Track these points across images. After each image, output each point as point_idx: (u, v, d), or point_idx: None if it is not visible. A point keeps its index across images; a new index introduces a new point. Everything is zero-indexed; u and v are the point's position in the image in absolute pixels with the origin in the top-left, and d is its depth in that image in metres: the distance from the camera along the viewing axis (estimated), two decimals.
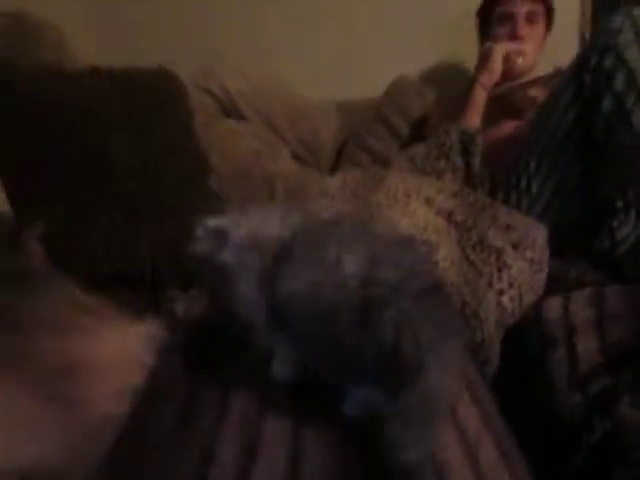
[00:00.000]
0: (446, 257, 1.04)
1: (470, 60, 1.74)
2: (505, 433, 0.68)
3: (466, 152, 1.37)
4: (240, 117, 1.81)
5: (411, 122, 1.81)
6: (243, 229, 0.70)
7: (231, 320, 0.94)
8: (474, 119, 1.48)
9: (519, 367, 0.97)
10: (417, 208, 1.14)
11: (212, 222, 0.72)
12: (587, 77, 1.15)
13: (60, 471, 0.61)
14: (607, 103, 1.12)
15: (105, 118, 1.16)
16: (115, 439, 0.68)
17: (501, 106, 1.53)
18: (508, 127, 1.53)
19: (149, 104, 1.25)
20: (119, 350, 0.75)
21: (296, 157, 1.81)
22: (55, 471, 0.60)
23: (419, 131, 1.75)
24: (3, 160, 1.05)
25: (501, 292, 1.04)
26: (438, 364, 0.57)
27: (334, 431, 0.65)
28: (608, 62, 1.12)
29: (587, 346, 0.86)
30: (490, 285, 1.05)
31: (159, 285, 1.14)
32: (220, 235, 0.69)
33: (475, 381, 0.79)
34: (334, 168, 1.83)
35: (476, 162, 1.35)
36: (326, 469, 0.60)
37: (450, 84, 1.85)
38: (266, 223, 0.70)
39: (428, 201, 1.17)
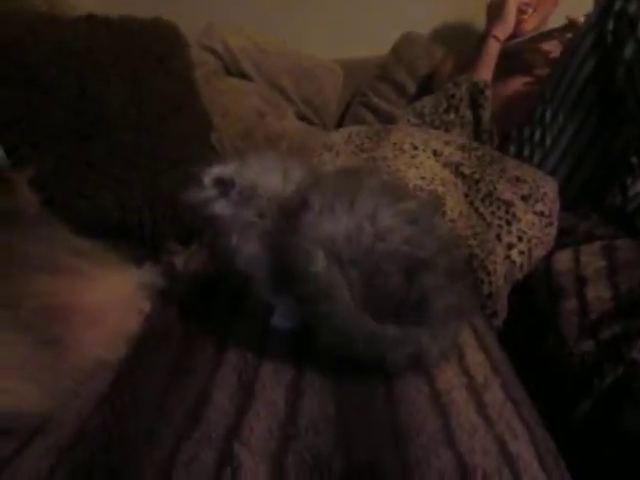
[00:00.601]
0: (453, 209, 1.01)
1: (478, 17, 1.68)
2: (513, 379, 0.66)
3: (476, 105, 1.33)
4: (243, 76, 1.75)
5: (418, 80, 1.75)
6: (245, 180, 0.67)
7: (230, 273, 0.92)
8: (485, 72, 1.42)
9: (527, 319, 0.94)
10: (424, 160, 1.10)
11: (215, 171, 0.69)
12: (610, 23, 1.10)
13: (46, 417, 0.59)
14: (629, 50, 1.07)
15: (102, 67, 1.11)
16: (108, 384, 0.66)
17: (511, 62, 1.47)
18: (518, 83, 1.47)
19: (148, 54, 1.20)
20: (114, 295, 0.73)
21: (301, 117, 1.76)
22: (41, 417, 0.59)
23: (426, 89, 1.69)
24: None
25: (510, 246, 1.01)
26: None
27: (333, 377, 0.63)
28: (633, 7, 1.07)
29: (598, 295, 0.83)
30: (499, 238, 1.01)
31: (157, 238, 1.11)
32: (223, 184, 0.66)
33: (483, 330, 0.77)
34: (339, 127, 1.77)
35: (486, 115, 1.31)
36: (325, 412, 0.58)
37: (458, 41, 1.79)
38: (267, 177, 0.67)
39: (435, 153, 1.13)
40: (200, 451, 0.52)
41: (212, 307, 0.80)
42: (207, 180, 0.68)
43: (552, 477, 0.51)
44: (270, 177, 0.67)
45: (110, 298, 0.72)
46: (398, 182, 0.90)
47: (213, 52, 1.73)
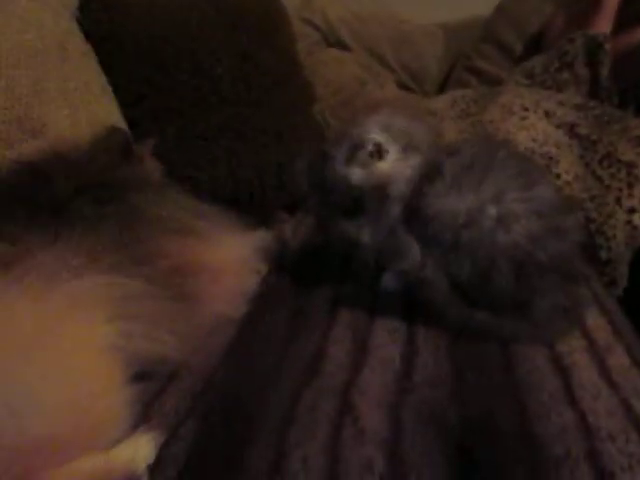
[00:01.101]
0: (568, 171, 0.96)
1: None
2: (637, 343, 0.62)
3: (593, 62, 1.23)
4: (342, 46, 1.75)
5: (526, 40, 1.65)
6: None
7: (339, 239, 0.95)
8: (603, 24, 1.31)
9: None
10: (535, 121, 1.05)
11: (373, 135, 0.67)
12: None
13: (181, 363, 0.65)
14: None
15: (212, 44, 1.17)
16: (232, 337, 0.72)
17: (633, 7, 1.34)
18: None
19: (254, 29, 1.24)
20: (234, 255, 0.78)
21: (401, 85, 1.74)
22: (176, 362, 0.64)
23: (535, 49, 1.59)
24: (119, 85, 1.10)
25: (632, 210, 0.95)
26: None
27: (447, 336, 0.63)
28: None
29: None
30: (619, 202, 0.95)
31: (266, 207, 1.16)
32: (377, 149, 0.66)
33: (602, 294, 0.74)
34: (441, 93, 1.73)
35: (604, 72, 1.21)
36: (440, 369, 0.59)
37: None
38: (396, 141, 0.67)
39: (548, 114, 1.07)
40: (321, 399, 0.55)
41: (323, 270, 0.83)
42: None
43: None
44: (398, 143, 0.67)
45: (230, 258, 0.77)
46: (535, 162, 0.86)
47: (312, 24, 1.74)
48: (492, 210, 0.59)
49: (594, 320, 0.64)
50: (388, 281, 0.74)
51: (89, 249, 0.56)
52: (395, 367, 0.59)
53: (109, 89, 1.08)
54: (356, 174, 0.65)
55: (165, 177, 0.91)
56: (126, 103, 1.09)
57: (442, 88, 1.78)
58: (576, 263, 0.63)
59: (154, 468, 0.51)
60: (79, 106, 0.95)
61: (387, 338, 0.64)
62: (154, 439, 0.52)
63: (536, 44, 1.58)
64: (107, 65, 1.10)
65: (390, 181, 0.65)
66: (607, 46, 1.22)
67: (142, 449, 0.50)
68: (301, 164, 0.72)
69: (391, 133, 0.65)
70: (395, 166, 0.65)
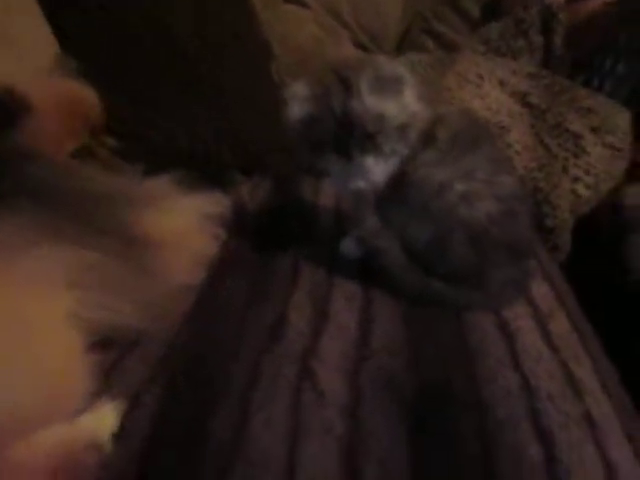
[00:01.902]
0: (519, 140, 0.99)
1: None
2: (577, 309, 0.67)
3: (547, 30, 1.26)
4: (299, 2, 1.71)
5: (484, 4, 1.66)
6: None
7: (296, 202, 0.96)
8: None
9: (591, 254, 0.94)
10: (490, 90, 1.07)
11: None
12: None
13: (141, 331, 0.65)
14: None
15: None
16: (192, 304, 0.72)
17: None
18: (593, 3, 1.38)
19: None
20: (190, 223, 0.77)
21: (358, 44, 1.72)
22: (137, 330, 0.65)
23: (493, 14, 1.60)
24: (70, 44, 1.04)
25: (576, 179, 1.00)
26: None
27: (402, 303, 0.66)
28: None
29: None
30: (565, 171, 1.00)
31: (223, 168, 1.14)
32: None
33: (546, 262, 0.78)
34: (397, 55, 1.72)
35: (558, 41, 1.25)
36: (396, 336, 0.62)
37: None
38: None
39: (502, 83, 1.10)
40: (281, 365, 0.57)
41: (282, 234, 0.84)
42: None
43: (614, 401, 0.54)
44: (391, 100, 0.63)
45: (187, 226, 0.76)
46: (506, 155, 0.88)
47: None
48: (459, 186, 0.61)
49: (538, 288, 0.68)
50: (347, 247, 0.75)
51: (44, 223, 0.54)
52: (353, 334, 0.61)
53: (55, 42, 1.02)
54: (391, 107, 0.61)
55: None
56: (78, 59, 1.04)
57: (399, 49, 1.78)
58: (526, 242, 0.66)
59: (118, 437, 0.51)
60: (26, 59, 0.90)
61: (345, 305, 0.66)
62: (117, 408, 0.52)
63: (493, 10, 1.59)
64: (53, 18, 1.03)
65: (412, 122, 0.63)
66: (561, 15, 1.25)
67: (105, 418, 0.50)
68: (300, 92, 0.65)
69: (411, 74, 0.64)
70: (418, 109, 0.63)
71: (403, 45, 1.77)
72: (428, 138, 0.63)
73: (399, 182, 0.63)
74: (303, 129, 0.65)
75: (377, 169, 0.63)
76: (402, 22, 1.78)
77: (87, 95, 0.86)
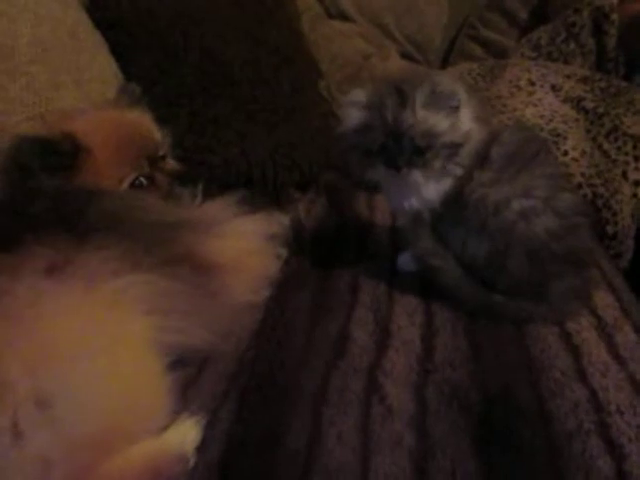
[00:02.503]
0: (575, 147, 0.98)
1: None
2: None
3: (599, 32, 1.24)
4: (344, 17, 1.74)
5: (531, 7, 1.64)
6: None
7: (352, 218, 0.98)
8: None
9: None
10: (542, 96, 1.07)
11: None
12: None
13: (212, 350, 0.69)
14: None
15: (219, 26, 1.17)
16: (259, 322, 0.76)
17: None
18: None
19: (259, 8, 1.24)
20: (254, 244, 0.81)
21: (405, 56, 1.73)
22: (208, 350, 0.68)
23: (541, 17, 1.58)
24: (130, 72, 1.11)
25: (638, 183, 0.98)
26: None
27: (464, 318, 0.67)
28: None
29: None
30: (625, 176, 0.98)
31: (279, 187, 1.18)
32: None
33: (610, 271, 0.77)
34: (445, 65, 1.73)
35: (611, 43, 1.22)
36: (459, 350, 0.63)
37: None
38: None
39: (554, 88, 1.09)
40: (349, 380, 0.59)
41: (340, 251, 0.87)
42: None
43: None
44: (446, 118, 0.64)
45: (250, 246, 0.80)
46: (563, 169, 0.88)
47: None
48: (516, 204, 0.62)
49: (603, 299, 0.67)
50: (404, 262, 0.77)
51: (123, 254, 0.59)
52: (416, 349, 0.63)
53: (121, 77, 1.09)
54: (443, 123, 0.62)
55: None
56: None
57: (446, 58, 1.78)
58: (587, 252, 0.66)
59: (198, 449, 0.55)
60: (95, 97, 0.97)
61: (407, 320, 0.67)
62: (197, 423, 0.56)
63: (542, 12, 1.57)
64: (117, 52, 1.11)
65: (465, 142, 0.64)
66: (614, 16, 1.22)
67: (188, 433, 0.54)
68: (357, 99, 0.67)
69: (468, 94, 0.65)
70: (473, 129, 0.64)
71: (451, 53, 1.77)
72: (483, 159, 0.64)
73: (455, 202, 0.64)
74: (355, 137, 0.67)
75: (429, 188, 0.65)
76: (448, 31, 1.79)
77: (147, 125, 0.91)
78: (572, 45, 1.25)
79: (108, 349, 0.53)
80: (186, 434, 0.54)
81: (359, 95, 0.67)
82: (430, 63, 1.77)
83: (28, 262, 0.54)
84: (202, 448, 0.55)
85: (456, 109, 0.63)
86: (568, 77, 1.12)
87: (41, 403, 0.47)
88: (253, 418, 0.58)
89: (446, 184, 0.65)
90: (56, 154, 0.69)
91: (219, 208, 0.84)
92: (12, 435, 0.46)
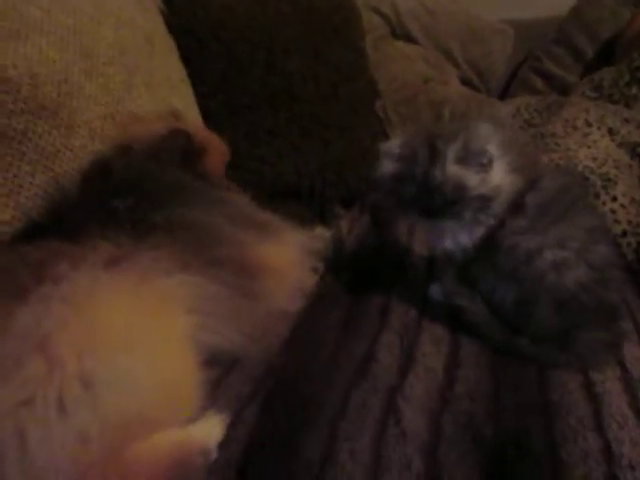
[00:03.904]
0: (625, 193, 0.97)
1: None
2: None
3: None
4: (409, 39, 1.77)
5: (599, 45, 1.62)
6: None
7: (392, 241, 1.00)
8: None
9: None
10: (598, 139, 1.06)
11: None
12: None
13: (243, 352, 0.73)
14: None
15: (286, 41, 1.22)
16: (290, 330, 0.79)
17: None
18: None
19: (326, 26, 1.29)
20: (296, 256, 0.85)
21: (465, 81, 1.74)
22: (239, 351, 0.72)
23: (608, 55, 1.57)
24: (196, 78, 1.17)
25: None
26: None
27: (488, 354, 0.69)
28: None
29: None
30: None
31: (325, 201, 1.22)
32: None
33: None
34: (505, 93, 1.73)
35: None
36: (480, 384, 0.64)
37: None
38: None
39: (611, 132, 1.08)
40: (368, 399, 0.62)
41: (375, 273, 0.89)
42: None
43: None
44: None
45: (293, 259, 0.84)
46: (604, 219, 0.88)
47: (380, 13, 1.76)
48: (549, 254, 0.63)
49: (632, 352, 0.67)
50: (434, 292, 0.79)
51: (176, 256, 0.64)
52: (438, 377, 0.65)
53: (188, 82, 1.15)
54: (473, 178, 0.65)
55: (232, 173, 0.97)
56: (202, 95, 1.17)
57: (507, 87, 1.78)
58: (619, 305, 0.67)
59: (221, 445, 0.59)
60: (162, 100, 1.03)
61: (433, 348, 0.69)
62: (222, 420, 0.60)
63: (609, 50, 1.56)
64: (186, 58, 1.17)
65: (496, 195, 0.66)
66: None
67: (213, 428, 0.58)
68: (392, 150, 0.70)
69: (504, 148, 0.67)
70: (503, 183, 0.66)
71: (512, 83, 1.77)
72: (517, 207, 0.65)
73: (488, 247, 0.66)
74: (390, 184, 0.71)
75: (459, 235, 0.67)
76: (511, 60, 1.79)
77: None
78: (635, 89, 1.23)
79: (151, 341, 0.57)
80: (211, 430, 0.58)
81: (393, 146, 0.70)
82: (490, 91, 1.77)
83: (90, 254, 0.60)
84: (224, 445, 0.59)
85: (487, 165, 0.65)
86: (627, 121, 1.11)
87: (86, 383, 0.52)
88: (274, 424, 0.62)
89: (478, 231, 0.67)
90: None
91: (271, 215, 0.88)
92: (57, 408, 0.50)
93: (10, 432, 0.49)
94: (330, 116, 1.26)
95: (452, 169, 0.64)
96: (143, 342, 0.56)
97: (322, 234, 0.99)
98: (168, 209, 0.70)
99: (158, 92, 1.03)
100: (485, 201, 0.65)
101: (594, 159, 1.02)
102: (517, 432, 0.57)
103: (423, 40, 1.77)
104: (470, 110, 1.48)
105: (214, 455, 0.56)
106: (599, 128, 1.10)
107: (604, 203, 0.95)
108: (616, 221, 0.94)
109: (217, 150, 0.98)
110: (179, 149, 0.86)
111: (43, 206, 0.76)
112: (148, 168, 0.79)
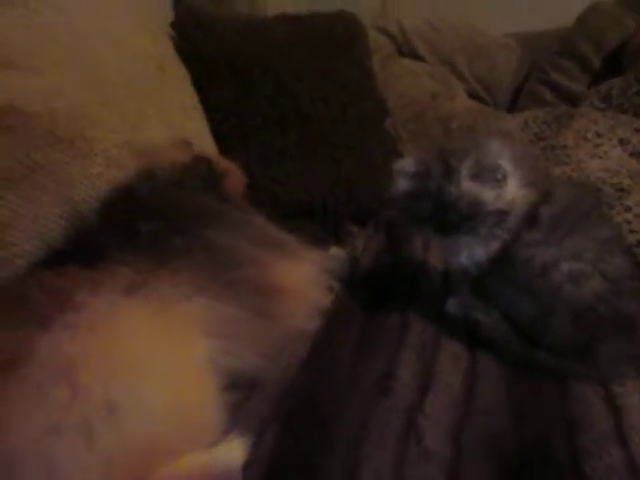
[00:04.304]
0: (639, 203, 0.97)
1: None
2: None
3: None
4: (416, 56, 1.79)
5: (605, 54, 1.63)
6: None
7: (406, 258, 1.01)
8: None
9: None
10: (609, 149, 1.06)
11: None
12: None
13: (259, 375, 0.73)
14: None
15: (295, 63, 1.24)
16: (307, 350, 0.79)
17: None
18: None
19: (334, 47, 1.31)
20: (311, 275, 0.85)
21: (473, 96, 1.76)
22: (258, 374, 0.73)
23: (615, 65, 1.57)
24: (208, 105, 1.19)
25: None
26: None
27: (507, 367, 0.69)
28: None
29: None
30: None
31: (338, 220, 1.23)
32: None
33: None
34: (513, 106, 1.74)
35: None
36: (499, 398, 0.64)
37: None
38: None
39: (622, 142, 1.08)
40: (389, 418, 0.62)
41: (391, 290, 0.89)
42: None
43: None
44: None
45: (310, 278, 0.84)
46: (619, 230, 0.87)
47: (387, 33, 1.79)
48: (565, 266, 0.63)
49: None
50: (451, 307, 0.79)
51: (194, 280, 0.65)
52: (457, 393, 0.65)
53: (200, 108, 1.18)
54: (488, 194, 0.65)
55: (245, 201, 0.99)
56: (214, 120, 1.19)
57: (515, 100, 1.79)
58: (637, 316, 0.66)
59: (244, 468, 0.59)
60: (175, 127, 1.05)
61: (451, 365, 0.69)
62: (246, 442, 0.60)
63: (616, 60, 1.56)
64: (198, 84, 1.20)
65: (511, 209, 0.66)
66: None
67: (237, 450, 0.58)
68: (406, 168, 0.71)
69: (515, 162, 0.67)
70: (517, 197, 0.67)
71: (521, 96, 1.78)
72: (531, 219, 0.65)
73: (503, 261, 0.66)
74: (404, 202, 0.71)
75: (475, 250, 0.68)
76: (518, 73, 1.80)
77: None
78: None
79: (172, 366, 0.58)
80: (234, 452, 0.58)
81: (407, 164, 0.71)
82: (498, 105, 1.78)
83: (109, 280, 0.61)
84: (247, 467, 0.59)
85: (502, 181, 0.65)
86: (637, 131, 1.11)
87: (109, 409, 0.52)
88: (295, 444, 0.62)
89: (494, 245, 0.67)
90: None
91: (286, 235, 0.89)
92: (83, 435, 0.51)
93: (38, 459, 0.49)
94: (340, 135, 1.27)
95: (467, 185, 0.65)
96: (164, 367, 0.57)
97: (337, 253, 0.99)
98: (189, 233, 0.71)
99: (171, 119, 1.06)
100: (501, 215, 0.66)
101: (606, 170, 1.02)
102: (538, 446, 0.57)
103: (429, 57, 1.79)
104: (477, 124, 1.49)
105: (239, 477, 0.57)
106: (610, 139, 1.10)
107: (618, 213, 0.95)
108: (631, 231, 0.94)
109: (236, 174, 1.00)
110: (201, 176, 0.88)
111: (63, 234, 0.77)
112: (171, 194, 0.81)
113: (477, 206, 0.65)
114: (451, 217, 0.66)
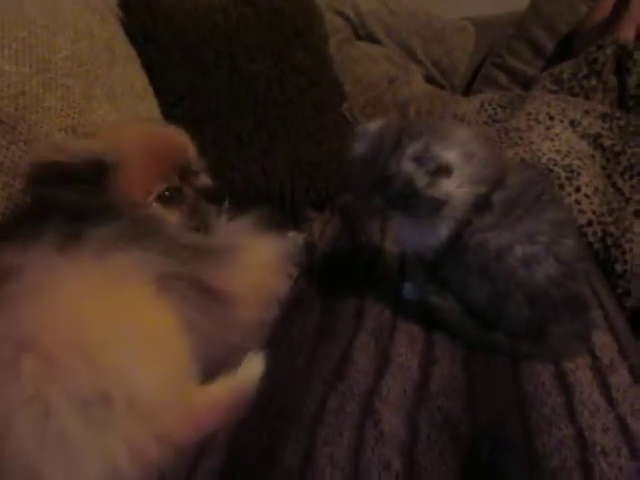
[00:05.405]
0: (588, 184, 0.99)
1: None
2: None
3: (621, 69, 1.25)
4: (372, 40, 1.78)
5: (558, 39, 1.65)
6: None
7: (363, 242, 1.01)
8: (631, 30, 1.32)
9: None
10: (560, 131, 1.08)
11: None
12: None
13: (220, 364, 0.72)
14: None
15: (249, 46, 1.21)
16: (268, 337, 0.78)
17: None
18: None
19: (289, 30, 1.28)
20: (267, 261, 0.84)
21: (429, 80, 1.76)
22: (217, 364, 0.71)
23: (567, 48, 1.60)
24: (160, 86, 1.15)
25: None
26: None
27: (462, 349, 0.69)
28: None
29: None
30: (638, 215, 0.98)
31: (296, 205, 1.22)
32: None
33: (612, 312, 0.78)
34: (469, 90, 1.75)
35: (632, 81, 1.23)
36: (454, 380, 0.65)
37: None
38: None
39: (573, 124, 1.10)
40: (346, 403, 0.62)
41: (349, 275, 0.89)
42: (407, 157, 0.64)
43: None
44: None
45: (264, 264, 0.83)
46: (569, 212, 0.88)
47: (343, 15, 1.77)
48: (519, 250, 0.63)
49: (601, 339, 0.69)
50: (408, 291, 0.79)
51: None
52: (413, 376, 0.65)
53: (151, 90, 1.14)
54: (422, 180, 0.63)
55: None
56: (167, 103, 1.15)
57: (471, 83, 1.80)
58: (586, 297, 0.68)
59: (200, 457, 0.58)
60: (125, 110, 1.01)
61: (407, 347, 0.70)
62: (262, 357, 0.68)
63: (568, 44, 1.59)
64: (149, 67, 1.16)
65: (446, 202, 0.65)
66: (636, 54, 1.23)
67: (255, 365, 0.68)
68: (368, 130, 0.69)
69: (465, 156, 0.65)
70: (457, 192, 0.65)
71: (476, 79, 1.79)
72: (482, 206, 0.65)
73: (458, 245, 0.66)
74: (359, 167, 0.70)
75: (425, 235, 0.68)
76: (473, 58, 1.81)
77: (181, 139, 0.93)
78: (594, 81, 1.26)
79: (134, 317, 0.59)
80: (252, 367, 0.67)
81: (369, 128, 0.69)
82: (455, 88, 1.79)
83: (35, 244, 0.59)
84: (204, 456, 0.58)
85: (438, 172, 0.63)
86: (587, 113, 1.13)
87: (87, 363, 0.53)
88: (253, 431, 0.61)
89: (442, 231, 0.67)
90: (77, 182, 0.70)
91: (237, 230, 0.87)
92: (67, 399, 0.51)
93: (29, 422, 0.50)
94: (296, 120, 1.25)
95: (406, 165, 0.63)
96: (127, 321, 0.57)
97: (295, 238, 0.98)
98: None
99: (121, 102, 1.02)
100: (437, 203, 0.64)
101: (557, 151, 1.04)
102: (492, 425, 0.58)
103: (386, 40, 1.78)
104: (435, 108, 1.50)
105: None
106: (561, 121, 1.12)
107: (569, 194, 0.97)
108: (581, 211, 0.96)
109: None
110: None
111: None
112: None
113: (409, 187, 0.63)
114: (388, 193, 0.65)
